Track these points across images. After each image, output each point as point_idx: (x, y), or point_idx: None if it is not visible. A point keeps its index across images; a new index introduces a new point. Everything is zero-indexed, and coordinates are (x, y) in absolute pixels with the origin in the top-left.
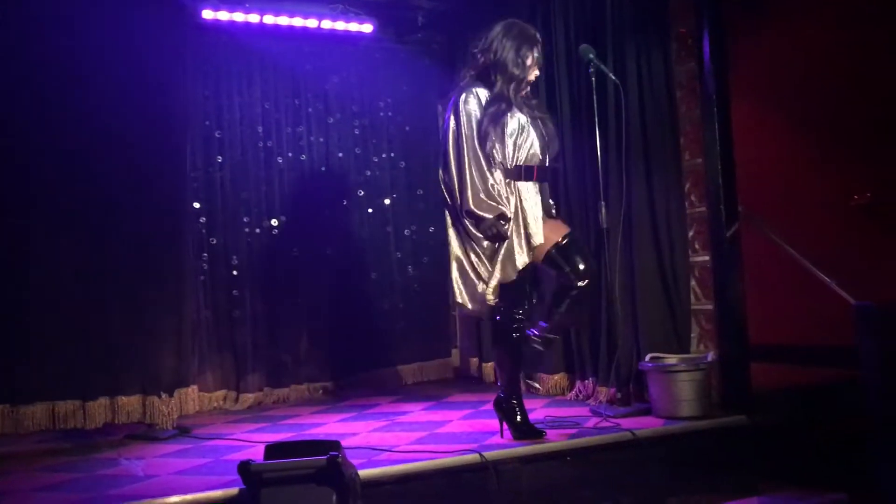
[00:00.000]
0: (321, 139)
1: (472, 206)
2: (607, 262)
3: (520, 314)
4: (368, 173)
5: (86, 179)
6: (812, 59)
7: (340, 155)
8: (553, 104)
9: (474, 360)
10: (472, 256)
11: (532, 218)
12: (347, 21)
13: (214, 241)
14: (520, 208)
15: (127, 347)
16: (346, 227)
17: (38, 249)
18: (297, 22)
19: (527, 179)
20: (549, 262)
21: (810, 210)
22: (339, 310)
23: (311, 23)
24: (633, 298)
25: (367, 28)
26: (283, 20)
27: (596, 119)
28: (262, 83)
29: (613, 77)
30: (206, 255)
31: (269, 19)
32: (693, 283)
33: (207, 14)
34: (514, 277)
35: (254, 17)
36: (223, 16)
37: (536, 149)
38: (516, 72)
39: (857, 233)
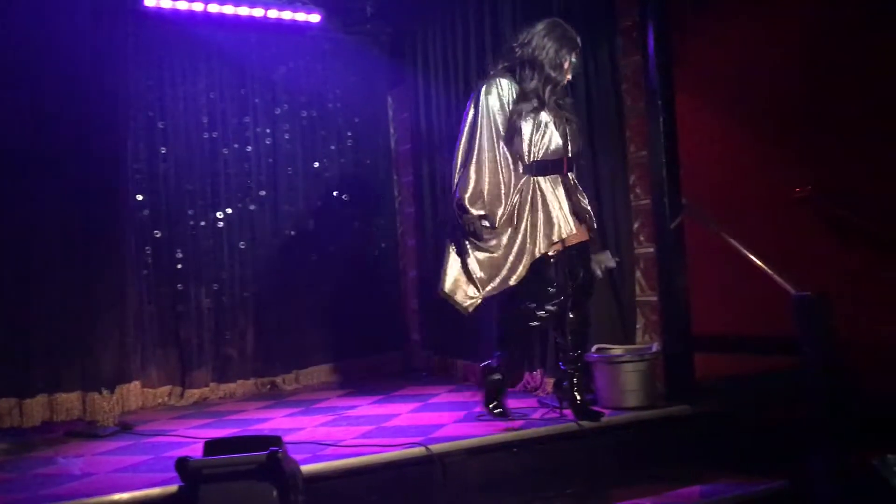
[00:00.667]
0: (268, 130)
1: (465, 201)
2: None
3: (537, 307)
4: (317, 164)
5: (16, 171)
6: (756, 56)
7: (288, 146)
8: None
9: (426, 354)
10: (473, 257)
11: (555, 209)
12: (294, 11)
13: (158, 235)
14: (540, 202)
15: (66, 343)
16: (294, 218)
17: None
18: (243, 11)
19: (546, 174)
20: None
21: (753, 203)
22: (288, 303)
23: (257, 12)
24: None
25: (315, 18)
26: (229, 9)
27: None
28: (207, 73)
29: None
30: (149, 248)
31: (213, 8)
32: (638, 274)
33: (149, 1)
34: (524, 275)
35: (198, 6)
36: (166, 3)
37: (558, 145)
38: (553, 73)
39: (798, 225)
